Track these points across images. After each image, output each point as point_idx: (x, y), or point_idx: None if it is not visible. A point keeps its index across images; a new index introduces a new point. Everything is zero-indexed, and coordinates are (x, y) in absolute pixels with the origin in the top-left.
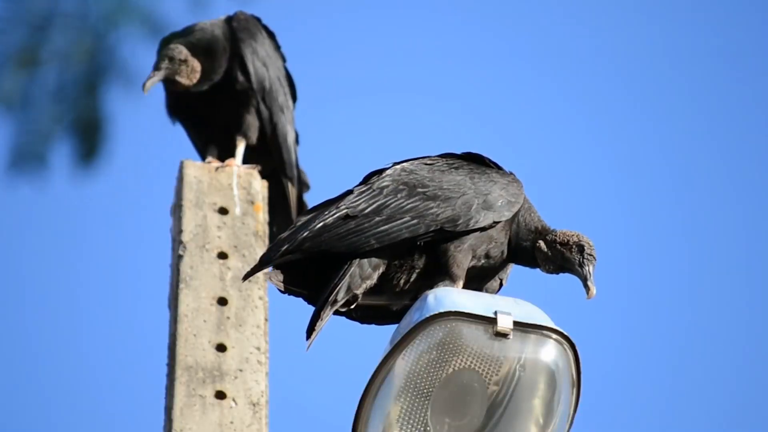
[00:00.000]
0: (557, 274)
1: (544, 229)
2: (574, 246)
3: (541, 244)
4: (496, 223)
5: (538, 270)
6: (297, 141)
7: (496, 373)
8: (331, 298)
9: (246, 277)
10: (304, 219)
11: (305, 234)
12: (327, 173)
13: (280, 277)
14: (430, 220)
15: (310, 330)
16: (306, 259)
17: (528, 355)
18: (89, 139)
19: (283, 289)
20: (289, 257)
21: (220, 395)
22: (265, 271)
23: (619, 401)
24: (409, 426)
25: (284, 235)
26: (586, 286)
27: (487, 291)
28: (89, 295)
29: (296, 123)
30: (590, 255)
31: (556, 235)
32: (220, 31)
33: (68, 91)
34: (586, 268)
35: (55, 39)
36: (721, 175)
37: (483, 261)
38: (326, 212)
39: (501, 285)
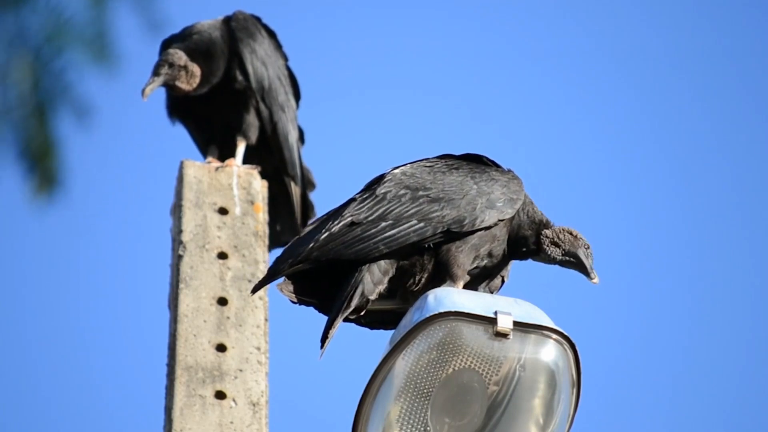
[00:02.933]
0: (561, 261)
1: (546, 222)
2: (566, 245)
3: (547, 232)
4: (501, 221)
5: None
6: (302, 140)
7: (496, 373)
8: (345, 305)
9: (255, 290)
10: (307, 230)
11: (312, 244)
12: (333, 171)
13: (291, 287)
14: (436, 222)
15: (324, 338)
16: (313, 268)
17: (528, 355)
18: (43, 168)
19: (296, 301)
20: (298, 267)
21: (220, 395)
22: (276, 282)
23: (619, 401)
24: (409, 426)
25: (289, 246)
26: (589, 275)
27: (490, 289)
28: (89, 295)
29: (301, 121)
30: (587, 246)
31: (554, 231)
32: (218, 33)
33: (14, 112)
34: (588, 261)
35: None
36: (722, 173)
37: (486, 260)
38: (330, 222)
39: (503, 282)
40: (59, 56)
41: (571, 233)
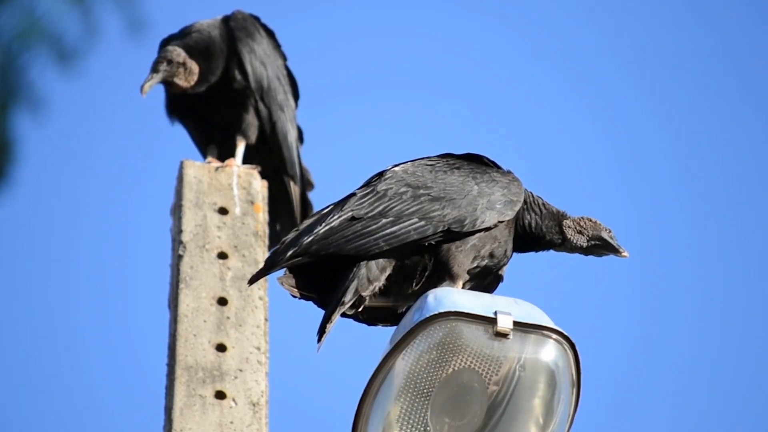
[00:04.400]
0: (587, 247)
1: (564, 213)
2: (590, 230)
3: (568, 222)
4: (500, 222)
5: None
6: (301, 139)
7: (496, 373)
8: (341, 300)
9: (252, 281)
10: (307, 223)
11: (311, 237)
12: (331, 171)
13: (292, 281)
14: (437, 221)
15: (321, 333)
16: (312, 262)
17: (528, 355)
18: None
19: (298, 295)
20: (297, 261)
21: (220, 395)
22: (277, 276)
23: (619, 401)
24: (409, 426)
25: (288, 238)
26: (618, 251)
27: (486, 288)
28: (89, 295)
29: (299, 121)
30: (608, 230)
31: (575, 221)
32: (217, 32)
33: None
34: (614, 243)
35: None
36: (722, 172)
37: (487, 260)
38: (330, 216)
39: (500, 281)
40: (25, 53)
41: (590, 219)
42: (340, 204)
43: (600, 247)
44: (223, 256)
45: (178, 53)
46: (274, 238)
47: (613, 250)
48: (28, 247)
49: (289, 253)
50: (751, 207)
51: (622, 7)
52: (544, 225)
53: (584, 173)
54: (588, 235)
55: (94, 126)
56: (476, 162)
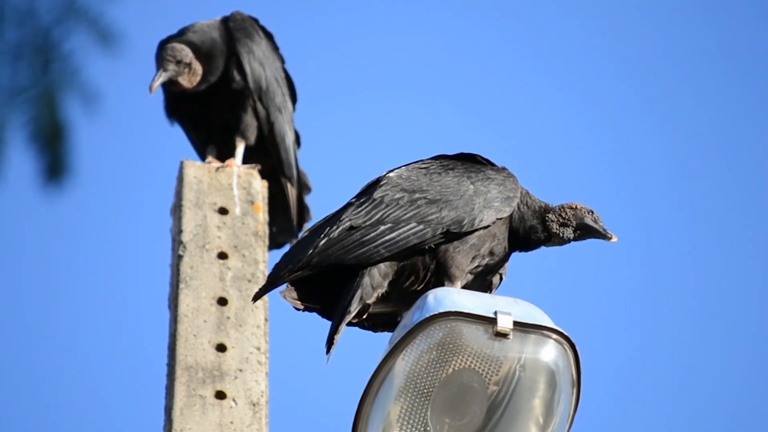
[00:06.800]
0: (575, 237)
1: (546, 206)
2: (573, 220)
3: (551, 216)
4: (499, 219)
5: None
6: (298, 142)
7: (496, 373)
8: (347, 310)
9: (255, 298)
10: (304, 236)
11: (311, 250)
12: (328, 174)
13: (294, 294)
14: (435, 223)
15: (329, 343)
16: (314, 274)
17: (528, 355)
18: (53, 152)
19: (300, 308)
20: (299, 274)
21: (220, 395)
22: (279, 289)
23: (619, 401)
24: (409, 426)
25: (287, 252)
26: (605, 236)
27: (489, 287)
28: (89, 295)
29: (297, 124)
30: (590, 212)
31: (556, 213)
32: (217, 33)
33: (25, 92)
34: (599, 225)
35: (4, 34)
36: (723, 170)
37: (488, 258)
38: (328, 227)
39: (501, 279)
40: (68, 38)
41: (571, 207)
42: (337, 215)
43: (586, 234)
44: (223, 256)
45: (186, 53)
46: (271, 239)
47: (599, 236)
48: (29, 247)
49: (290, 267)
50: (751, 203)
51: (621, 6)
52: (527, 224)
53: (582, 171)
54: (573, 226)
55: (94, 126)
56: (470, 161)
